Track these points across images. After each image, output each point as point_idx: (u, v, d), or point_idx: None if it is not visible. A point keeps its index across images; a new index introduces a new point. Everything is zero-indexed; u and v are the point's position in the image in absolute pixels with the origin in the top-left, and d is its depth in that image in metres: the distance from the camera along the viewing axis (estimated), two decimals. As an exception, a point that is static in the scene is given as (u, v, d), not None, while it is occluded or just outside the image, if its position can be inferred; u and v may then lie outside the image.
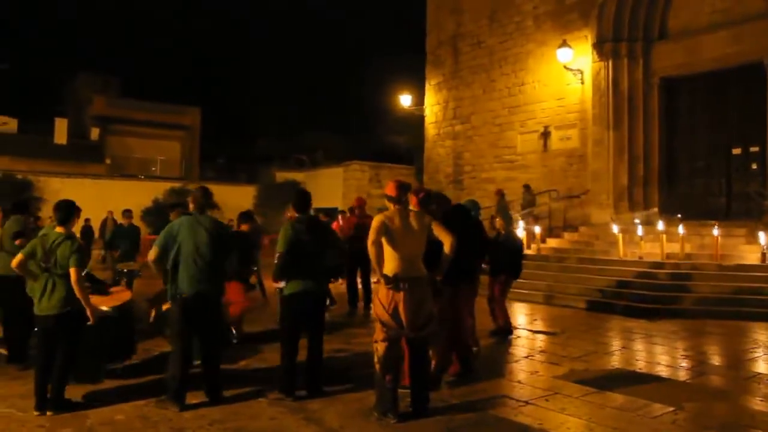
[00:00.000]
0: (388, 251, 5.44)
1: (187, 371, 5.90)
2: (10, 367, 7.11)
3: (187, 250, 5.87)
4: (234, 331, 8.35)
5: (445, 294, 6.32)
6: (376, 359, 5.48)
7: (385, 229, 5.39)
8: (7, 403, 5.84)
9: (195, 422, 5.37)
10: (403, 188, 5.60)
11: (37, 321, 5.79)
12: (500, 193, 17.33)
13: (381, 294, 5.47)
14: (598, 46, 16.09)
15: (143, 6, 65.31)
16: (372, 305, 5.70)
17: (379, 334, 5.48)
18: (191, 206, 6.17)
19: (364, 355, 7.41)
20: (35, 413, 5.51)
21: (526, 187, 17.15)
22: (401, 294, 5.36)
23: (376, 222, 5.45)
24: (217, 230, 6.09)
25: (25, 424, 5.36)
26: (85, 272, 6.07)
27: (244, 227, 9.20)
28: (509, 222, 9.81)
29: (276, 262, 6.14)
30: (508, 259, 9.23)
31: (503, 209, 15.32)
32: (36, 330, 5.89)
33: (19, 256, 5.79)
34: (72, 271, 5.65)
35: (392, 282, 5.38)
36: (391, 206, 5.57)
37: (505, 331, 9.11)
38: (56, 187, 22.93)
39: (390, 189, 5.59)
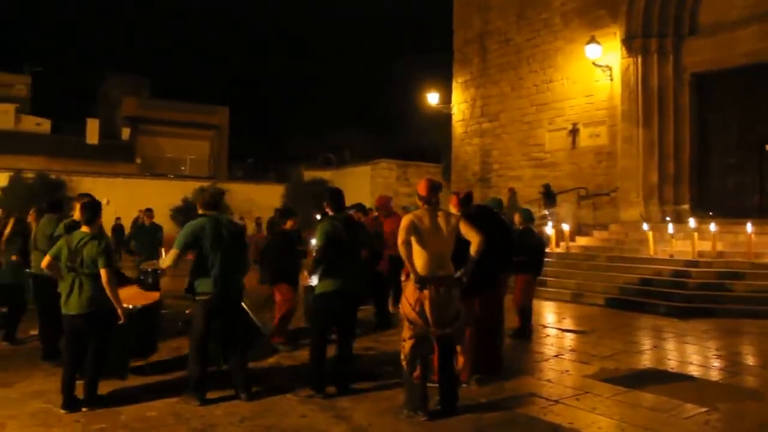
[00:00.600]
0: (416, 250, 5.46)
1: (206, 367, 6.00)
2: (45, 363, 7.27)
3: (210, 249, 5.94)
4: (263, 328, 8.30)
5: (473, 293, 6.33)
6: (402, 357, 5.51)
7: (414, 228, 5.43)
8: (44, 399, 5.98)
9: (226, 419, 5.44)
10: (434, 188, 5.61)
11: (64, 320, 5.87)
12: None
13: (408, 292, 5.49)
14: (627, 42, 15.91)
15: (173, 7, 66.04)
16: (399, 303, 5.73)
17: (406, 332, 5.51)
18: (199, 208, 6.24)
19: (393, 354, 7.42)
20: (62, 411, 5.60)
21: (546, 188, 17.05)
22: (427, 292, 5.38)
23: (405, 221, 5.49)
24: (235, 230, 6.22)
25: (61, 419, 5.48)
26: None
27: (290, 223, 8.73)
28: (528, 218, 9.55)
29: (315, 256, 6.20)
30: (527, 257, 8.88)
31: (513, 206, 15.27)
32: (64, 329, 6.00)
33: (46, 258, 5.90)
34: (102, 272, 5.72)
35: (420, 281, 5.41)
36: (420, 205, 5.59)
37: (522, 332, 8.86)
38: (88, 187, 23.21)
39: (421, 188, 5.61)
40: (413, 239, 5.43)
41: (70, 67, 55.66)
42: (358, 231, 6.61)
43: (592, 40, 16.29)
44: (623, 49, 16.02)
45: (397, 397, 5.82)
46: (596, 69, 16.69)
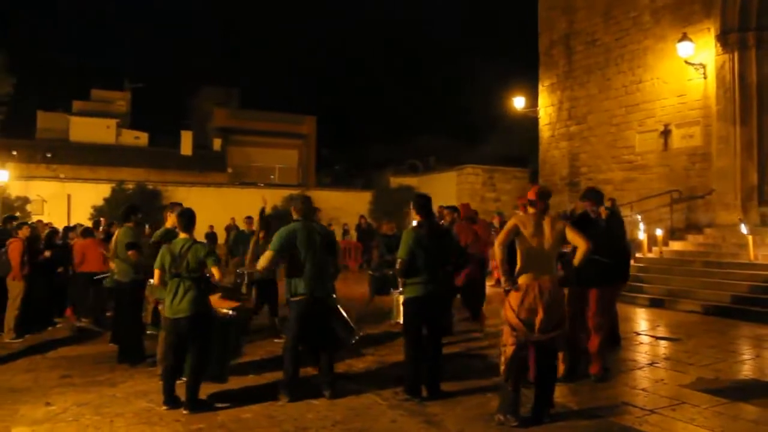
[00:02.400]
0: (519, 253, 5.51)
1: (299, 367, 6.25)
2: (143, 364, 7.65)
3: (303, 254, 6.19)
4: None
5: (571, 294, 6.42)
6: (502, 361, 5.49)
7: (516, 232, 5.49)
8: (147, 398, 6.30)
9: (318, 423, 5.57)
10: (543, 194, 5.67)
11: (166, 323, 6.19)
12: (612, 201, 16.96)
13: (511, 297, 5.49)
14: (722, 38, 15.24)
15: (261, 18, 67.91)
16: (502, 309, 5.74)
17: (507, 337, 5.49)
18: (294, 214, 6.48)
19: (484, 359, 7.46)
20: (164, 408, 5.91)
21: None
22: (532, 297, 5.37)
23: (509, 224, 5.58)
24: (326, 234, 6.46)
25: (163, 417, 5.76)
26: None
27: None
28: None
29: (398, 267, 6.31)
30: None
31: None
32: (165, 332, 6.30)
33: (157, 273, 6.21)
34: (215, 270, 6.04)
35: (511, 284, 5.45)
36: (529, 210, 5.66)
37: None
38: (182, 196, 24.21)
39: (530, 193, 5.70)
40: (516, 242, 5.47)
41: (165, 81, 58.05)
42: (444, 237, 6.66)
43: (684, 37, 15.72)
44: (718, 45, 15.36)
45: (488, 404, 5.83)
46: (688, 67, 16.08)
